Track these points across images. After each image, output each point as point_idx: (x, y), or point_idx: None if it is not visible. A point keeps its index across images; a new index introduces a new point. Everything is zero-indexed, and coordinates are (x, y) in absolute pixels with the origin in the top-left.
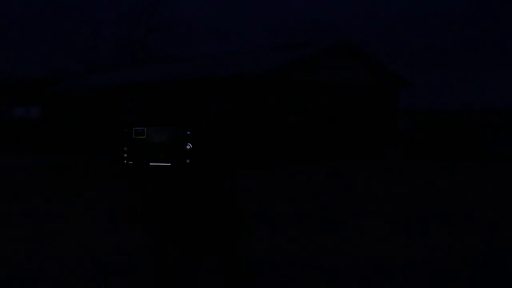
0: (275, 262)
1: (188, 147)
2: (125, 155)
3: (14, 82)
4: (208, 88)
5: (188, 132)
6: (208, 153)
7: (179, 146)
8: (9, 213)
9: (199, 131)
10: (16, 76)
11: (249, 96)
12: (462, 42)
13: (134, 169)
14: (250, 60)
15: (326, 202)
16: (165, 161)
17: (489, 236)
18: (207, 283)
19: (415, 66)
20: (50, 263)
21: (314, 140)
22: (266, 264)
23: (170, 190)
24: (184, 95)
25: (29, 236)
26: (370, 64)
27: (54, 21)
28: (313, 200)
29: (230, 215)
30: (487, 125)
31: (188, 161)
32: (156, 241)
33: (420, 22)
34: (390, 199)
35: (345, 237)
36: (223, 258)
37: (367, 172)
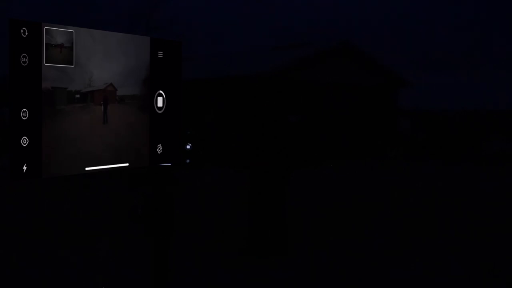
0: None
1: (188, 147)
2: None
3: None
4: (207, 88)
5: (188, 132)
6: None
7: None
8: (9, 213)
9: (199, 131)
10: None
11: (249, 96)
12: (463, 42)
13: (134, 169)
14: (250, 60)
15: (326, 202)
16: (165, 161)
17: (487, 241)
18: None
19: (415, 66)
20: (49, 263)
21: (314, 140)
22: None
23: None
24: (184, 95)
25: (27, 236)
26: (370, 64)
27: (54, 21)
28: (313, 200)
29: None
30: (487, 125)
31: (188, 161)
32: (156, 241)
33: (420, 22)
34: (389, 199)
35: (341, 237)
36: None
37: (367, 172)
